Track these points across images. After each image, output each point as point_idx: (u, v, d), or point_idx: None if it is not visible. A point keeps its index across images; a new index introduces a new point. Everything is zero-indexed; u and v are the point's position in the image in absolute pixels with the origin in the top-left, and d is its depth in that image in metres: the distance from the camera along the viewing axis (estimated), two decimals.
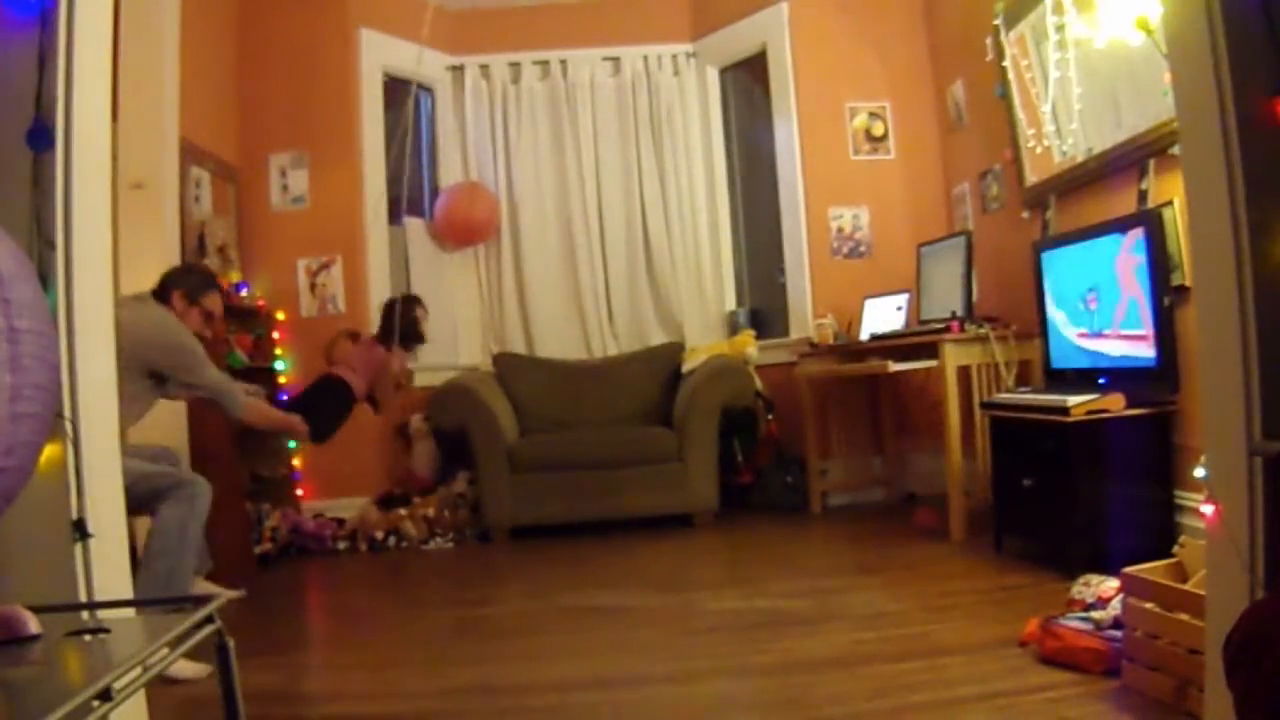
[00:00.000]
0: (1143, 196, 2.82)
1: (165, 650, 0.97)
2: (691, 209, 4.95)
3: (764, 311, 4.89)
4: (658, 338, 4.87)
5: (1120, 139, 2.91)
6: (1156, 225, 2.61)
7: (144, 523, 2.46)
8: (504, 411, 4.26)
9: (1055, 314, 3.12)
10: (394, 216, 4.72)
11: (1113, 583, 2.10)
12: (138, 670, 0.93)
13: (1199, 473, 1.42)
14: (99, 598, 1.49)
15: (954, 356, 3.38)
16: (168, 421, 3.37)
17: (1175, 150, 2.51)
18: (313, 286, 4.47)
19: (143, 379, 2.59)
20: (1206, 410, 1.41)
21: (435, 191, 4.92)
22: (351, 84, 4.55)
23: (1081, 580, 2.22)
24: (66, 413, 1.45)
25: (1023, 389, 3.21)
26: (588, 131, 4.93)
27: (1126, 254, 2.70)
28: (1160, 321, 2.59)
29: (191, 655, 1.89)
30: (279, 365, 4.30)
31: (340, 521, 4.18)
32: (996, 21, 3.58)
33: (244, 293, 4.12)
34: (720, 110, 5.09)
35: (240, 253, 4.35)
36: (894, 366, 3.55)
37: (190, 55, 3.76)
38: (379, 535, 4.09)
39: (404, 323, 3.77)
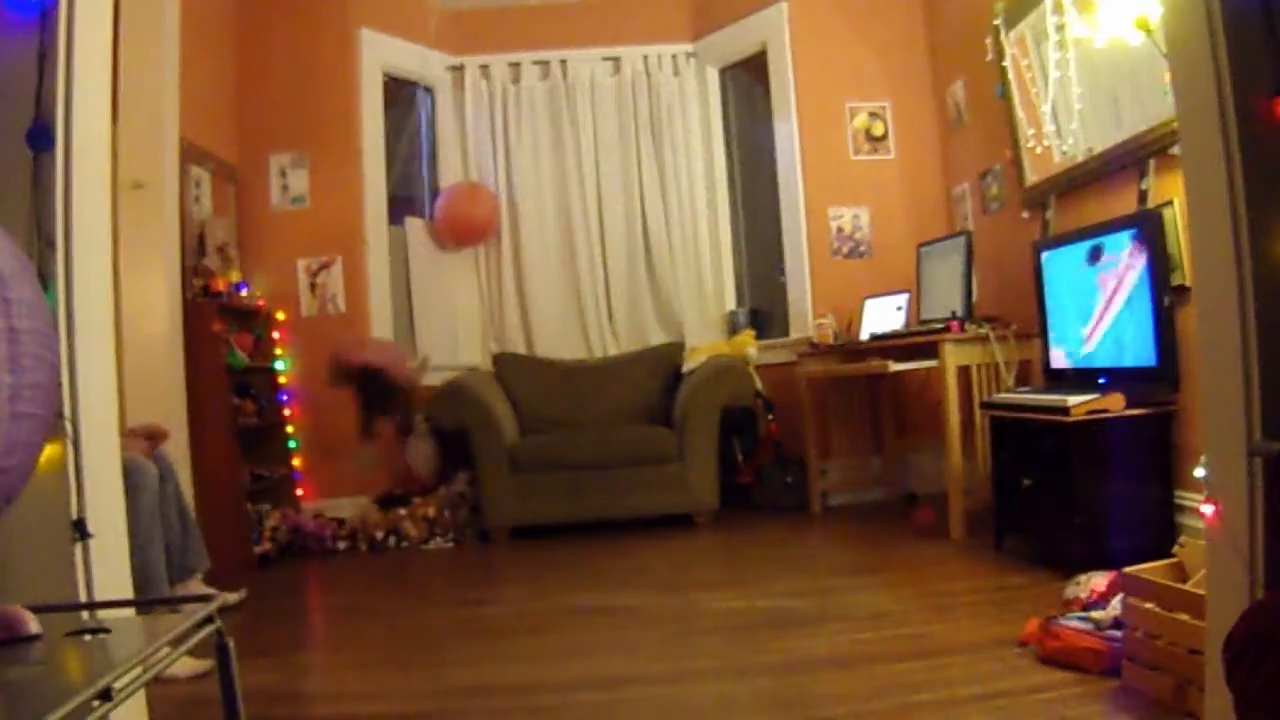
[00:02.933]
0: (1143, 196, 2.82)
1: (166, 650, 0.97)
2: (691, 209, 4.95)
3: (764, 311, 4.89)
4: (658, 338, 4.86)
5: (1120, 139, 2.90)
6: (1156, 225, 2.61)
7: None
8: (504, 411, 4.26)
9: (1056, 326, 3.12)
10: (394, 216, 4.73)
11: (1102, 577, 2.10)
12: (138, 670, 0.93)
13: (1199, 473, 1.42)
14: (99, 598, 1.49)
15: (954, 356, 3.38)
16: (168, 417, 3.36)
17: (1175, 150, 2.51)
18: (313, 286, 4.48)
19: None
20: (1206, 410, 1.40)
21: (435, 191, 4.92)
22: (351, 84, 4.55)
23: (1074, 580, 2.23)
24: (66, 413, 1.45)
25: (1023, 389, 3.21)
26: (588, 131, 4.93)
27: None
28: (1160, 321, 2.59)
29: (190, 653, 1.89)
30: (279, 365, 4.30)
31: (340, 521, 4.17)
32: (996, 21, 3.58)
33: (244, 293, 4.12)
34: (720, 110, 5.09)
35: (240, 253, 4.34)
36: (894, 366, 3.56)
37: (190, 55, 3.75)
38: (379, 535, 4.09)
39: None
